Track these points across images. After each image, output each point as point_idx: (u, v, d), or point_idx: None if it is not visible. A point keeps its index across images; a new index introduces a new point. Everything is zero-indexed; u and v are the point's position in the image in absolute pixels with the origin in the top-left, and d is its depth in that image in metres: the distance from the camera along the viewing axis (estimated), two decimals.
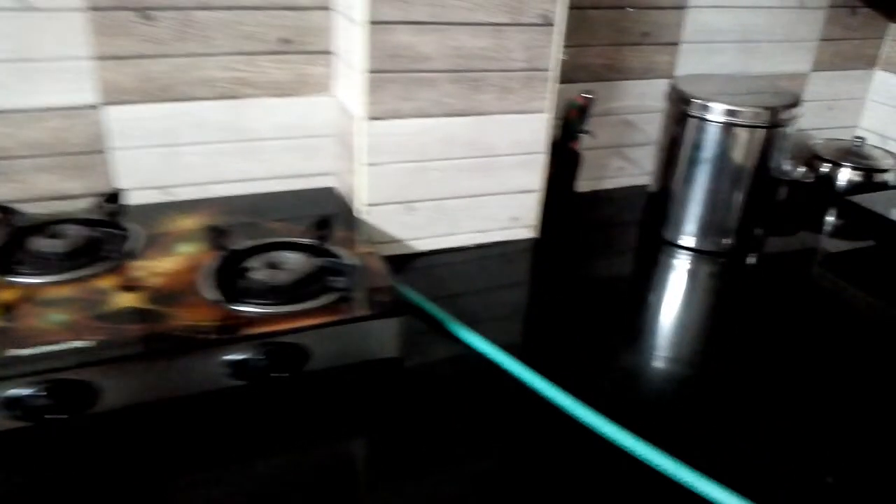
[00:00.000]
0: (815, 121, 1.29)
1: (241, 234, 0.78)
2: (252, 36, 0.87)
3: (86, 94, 0.83)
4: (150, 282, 0.70)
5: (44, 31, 0.79)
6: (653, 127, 1.08)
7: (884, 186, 1.17)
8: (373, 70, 0.82)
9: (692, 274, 0.98)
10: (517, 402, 0.69)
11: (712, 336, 0.86)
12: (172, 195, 0.91)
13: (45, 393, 0.57)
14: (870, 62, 1.29)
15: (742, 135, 0.94)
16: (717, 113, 0.93)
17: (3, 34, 0.78)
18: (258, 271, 0.70)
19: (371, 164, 0.86)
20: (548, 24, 0.86)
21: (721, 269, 0.99)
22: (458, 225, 0.94)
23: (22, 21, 0.78)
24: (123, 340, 0.62)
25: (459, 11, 0.82)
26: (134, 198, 0.88)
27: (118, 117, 0.85)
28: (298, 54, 0.90)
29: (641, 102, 1.13)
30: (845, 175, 1.18)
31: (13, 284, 0.69)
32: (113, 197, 0.83)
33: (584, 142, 1.08)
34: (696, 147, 0.96)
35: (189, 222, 0.83)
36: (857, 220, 1.07)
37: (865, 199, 1.07)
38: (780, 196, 1.12)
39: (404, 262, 0.91)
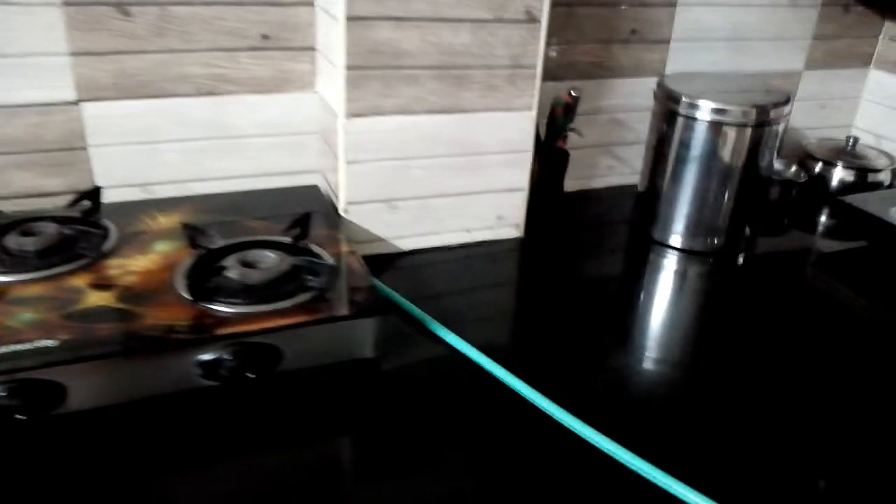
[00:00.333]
0: (808, 120, 1.27)
1: (219, 232, 0.77)
2: (232, 32, 0.86)
3: (62, 90, 0.81)
4: (123, 280, 0.69)
5: (19, 26, 0.78)
6: (643, 126, 1.06)
7: (877, 186, 1.16)
8: (352, 66, 0.81)
9: (681, 274, 0.96)
10: (498, 403, 0.68)
11: (701, 337, 0.84)
12: (153, 193, 0.89)
13: (8, 393, 0.56)
14: (864, 61, 1.28)
15: (730, 133, 0.92)
16: (704, 111, 0.91)
17: None
18: (233, 270, 0.69)
19: (352, 162, 0.85)
20: (532, 20, 0.85)
21: (710, 268, 0.97)
22: (442, 224, 0.93)
23: None
24: (92, 340, 0.61)
25: (441, 7, 0.81)
26: (113, 195, 0.87)
27: (96, 114, 0.84)
28: (280, 50, 0.88)
29: (631, 101, 1.12)
30: (838, 175, 1.17)
31: None
32: (90, 194, 0.82)
33: (573, 140, 1.07)
34: (684, 146, 0.94)
35: (168, 220, 0.81)
36: (850, 221, 1.06)
37: (858, 199, 1.06)
38: (772, 196, 1.11)
39: (388, 262, 0.90)
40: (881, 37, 1.26)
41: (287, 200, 0.88)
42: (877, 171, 1.17)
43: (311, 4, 0.88)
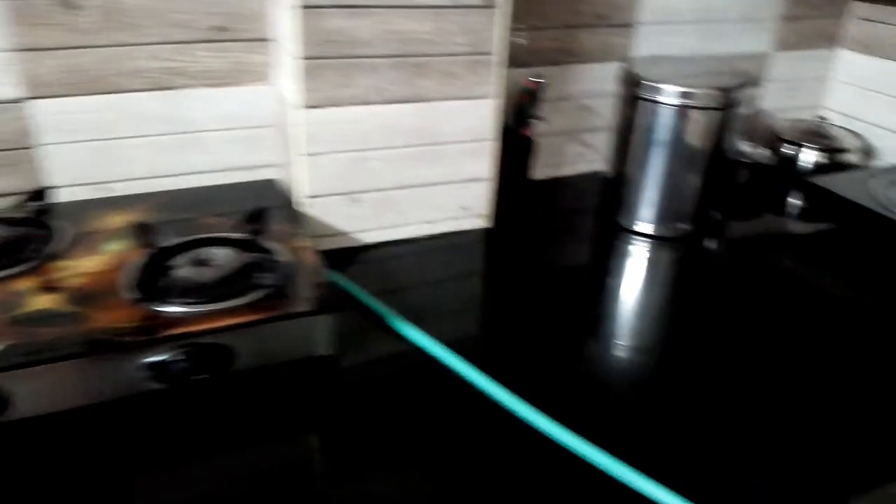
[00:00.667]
0: (778, 101, 1.26)
1: (175, 229, 0.75)
2: (184, 24, 0.84)
3: (7, 87, 0.79)
4: (71, 282, 0.67)
5: None
6: (611, 111, 1.05)
7: (848, 167, 1.15)
8: (307, 56, 0.79)
9: (650, 261, 0.95)
10: (460, 400, 0.66)
11: (672, 324, 0.83)
12: (108, 191, 0.87)
13: None
14: (833, 41, 1.27)
15: (696, 117, 0.91)
16: (669, 95, 0.90)
17: None
18: (183, 269, 0.67)
19: (311, 155, 0.83)
20: (489, 5, 0.83)
21: (680, 254, 0.97)
22: (405, 216, 0.91)
23: None
24: (38, 344, 0.59)
25: None
26: (67, 195, 0.85)
27: (46, 111, 0.82)
28: (234, 42, 0.86)
29: (598, 86, 1.10)
30: (808, 156, 1.16)
31: None
32: (38, 194, 0.80)
33: (540, 128, 1.05)
34: (650, 130, 0.93)
35: (121, 219, 0.79)
36: (820, 203, 1.05)
37: (827, 181, 1.05)
38: (742, 178, 1.10)
39: (351, 256, 0.88)
40: (849, 17, 1.25)
41: (246, 195, 0.86)
42: (847, 151, 1.16)
43: None
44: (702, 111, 0.91)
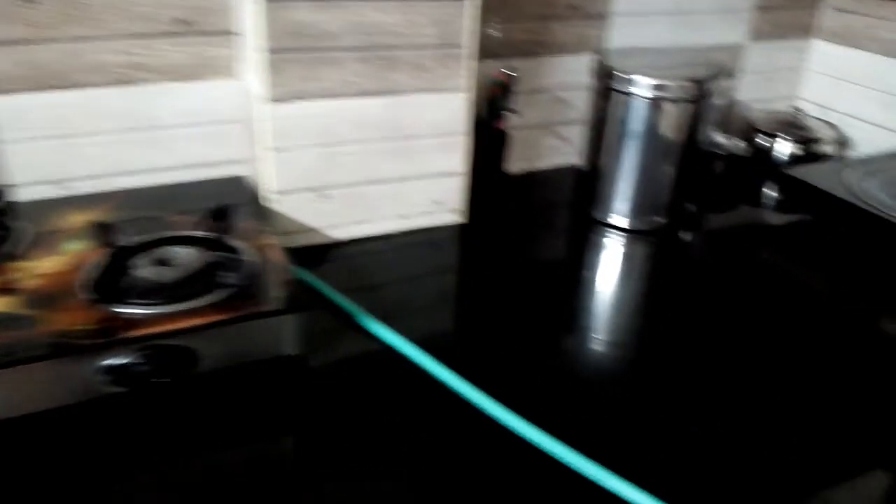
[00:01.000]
0: (753, 92, 1.26)
1: (136, 228, 0.73)
2: (146, 17, 0.81)
3: None
4: (28, 284, 0.65)
5: None
6: (585, 104, 1.04)
7: (821, 157, 1.15)
8: (272, 50, 0.77)
9: (625, 254, 0.95)
10: (431, 399, 0.65)
11: (647, 317, 0.83)
12: (70, 189, 0.85)
13: None
14: (808, 31, 1.26)
15: (670, 109, 0.90)
16: (642, 87, 0.89)
17: None
18: (143, 269, 0.66)
19: (278, 150, 0.82)
20: None
21: (654, 248, 0.96)
22: (377, 211, 0.90)
23: None
24: None
25: None
26: (27, 193, 0.83)
27: (4, 108, 0.79)
28: (198, 35, 0.84)
29: (572, 78, 1.09)
30: (783, 147, 1.16)
31: None
32: None
33: (514, 121, 1.04)
34: (624, 123, 0.92)
35: (82, 218, 0.77)
36: (794, 194, 1.05)
37: (801, 172, 1.05)
38: (716, 170, 1.10)
39: (321, 253, 0.87)
40: (824, 7, 1.25)
41: (211, 193, 0.84)
42: (821, 142, 1.16)
43: None
44: (675, 103, 0.90)
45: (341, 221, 0.88)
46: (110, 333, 0.59)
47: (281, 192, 0.84)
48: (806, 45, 1.27)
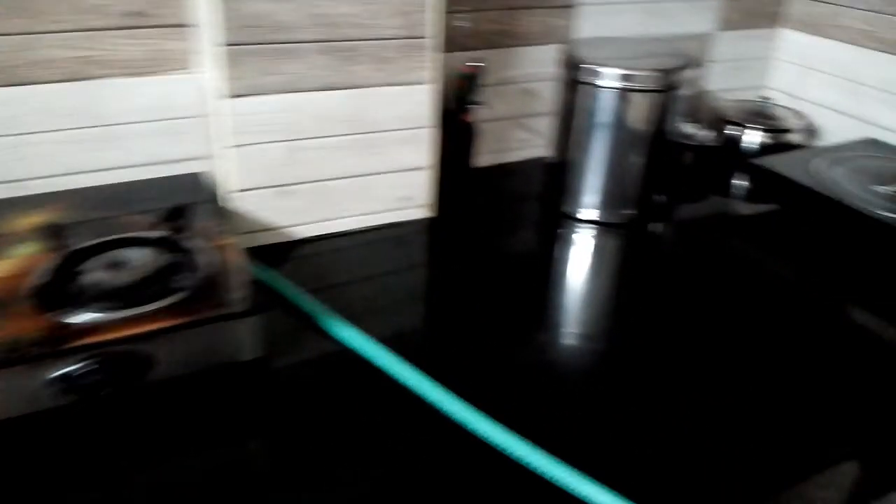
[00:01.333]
0: (722, 81, 1.26)
1: (88, 230, 0.70)
2: (97, 9, 0.78)
3: None
4: None
5: None
6: (554, 95, 1.03)
7: (791, 147, 1.15)
8: (229, 43, 0.75)
9: (596, 248, 0.94)
10: (397, 402, 0.63)
11: (619, 311, 0.82)
12: (22, 189, 0.82)
13: None
14: (775, 20, 1.26)
15: (637, 99, 0.89)
16: (609, 78, 0.88)
17: None
18: (96, 273, 0.63)
19: (237, 146, 0.79)
20: None
21: (625, 240, 0.95)
22: (341, 208, 0.88)
23: None
24: None
25: None
26: None
27: None
28: (153, 28, 0.81)
29: (540, 69, 1.08)
30: (752, 136, 1.16)
31: None
32: None
33: (483, 113, 1.03)
34: (592, 114, 0.91)
35: (33, 220, 0.74)
36: (764, 184, 1.05)
37: (770, 162, 1.05)
38: (686, 160, 1.09)
39: (284, 251, 0.85)
40: None
41: (168, 191, 0.81)
42: (790, 131, 1.16)
43: None
44: (644, 94, 0.89)
45: (305, 219, 0.86)
46: (60, 342, 0.56)
47: (241, 190, 0.81)
48: (774, 33, 1.27)
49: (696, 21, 1.18)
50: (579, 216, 0.97)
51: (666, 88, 0.89)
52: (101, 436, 0.58)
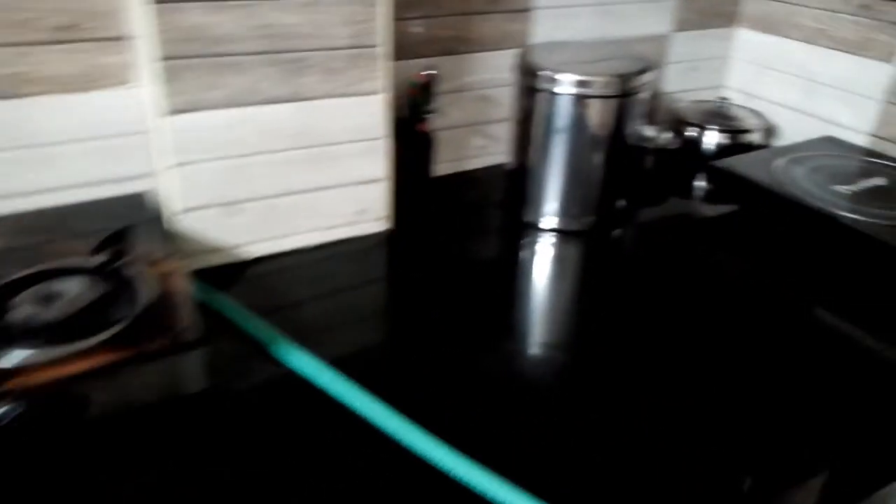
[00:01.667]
0: (680, 83, 1.25)
1: (18, 259, 0.66)
2: (25, 23, 0.74)
3: None
4: None
5: None
6: (512, 101, 1.01)
7: (750, 147, 1.14)
8: (167, 57, 0.71)
9: (558, 256, 0.92)
10: (351, 431, 0.61)
11: (583, 320, 0.80)
12: None
13: None
14: (732, 20, 1.26)
15: (595, 105, 0.88)
16: (566, 84, 0.86)
17: None
18: (24, 307, 0.59)
19: (181, 164, 0.76)
20: None
21: (586, 248, 0.93)
22: (294, 225, 0.84)
23: None
24: None
25: None
26: None
27: None
28: (86, 42, 0.77)
29: (497, 75, 1.06)
30: (712, 138, 1.15)
31: None
32: None
33: (439, 121, 1.00)
34: (549, 121, 0.89)
35: None
36: (724, 185, 1.04)
37: (730, 163, 1.04)
38: (647, 164, 1.08)
39: (234, 272, 0.81)
40: None
41: (108, 213, 0.77)
42: (748, 131, 1.16)
43: None
44: (602, 99, 0.87)
45: (255, 237, 0.83)
46: None
47: (186, 210, 0.78)
48: (730, 33, 1.26)
49: (653, 22, 1.17)
50: (540, 224, 0.95)
51: (624, 94, 0.87)
52: (35, 482, 0.54)
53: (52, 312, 0.58)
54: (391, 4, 0.80)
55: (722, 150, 1.13)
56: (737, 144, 1.14)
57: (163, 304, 0.62)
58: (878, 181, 0.98)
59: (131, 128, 0.80)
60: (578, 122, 0.88)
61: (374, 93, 0.82)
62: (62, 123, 0.78)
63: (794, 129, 1.19)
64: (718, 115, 1.17)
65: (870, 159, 1.05)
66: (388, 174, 0.88)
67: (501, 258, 0.92)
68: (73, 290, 0.61)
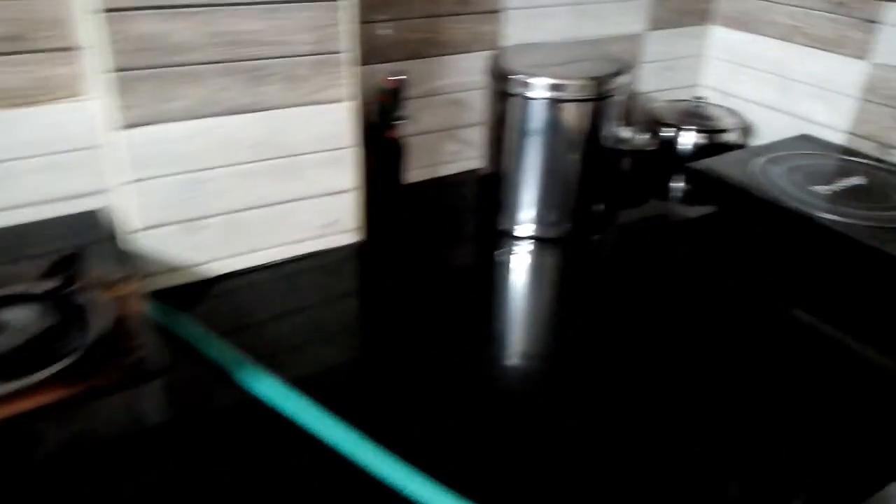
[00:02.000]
0: (655, 82, 1.23)
1: None
2: None
3: None
4: None
5: None
6: (485, 104, 0.98)
7: (727, 147, 1.13)
8: (119, 68, 0.67)
9: (535, 263, 0.90)
10: (320, 461, 0.57)
11: (561, 328, 0.78)
12: None
13: None
14: (705, 17, 1.24)
15: (570, 109, 0.85)
16: (540, 88, 0.84)
17: None
18: None
19: (137, 181, 0.72)
20: None
21: (564, 254, 0.91)
22: (259, 240, 0.81)
23: None
24: None
25: None
26: None
27: None
28: (33, 53, 0.73)
29: (469, 78, 1.03)
30: (688, 138, 1.13)
31: None
32: None
33: (410, 127, 0.97)
34: (523, 126, 0.87)
35: None
36: (702, 186, 1.02)
37: (707, 164, 1.02)
38: (624, 166, 1.06)
39: (197, 292, 0.78)
40: None
41: (61, 234, 0.73)
42: (725, 131, 1.14)
43: None
44: (577, 103, 0.85)
45: (218, 254, 0.79)
46: None
47: (144, 228, 0.74)
48: (704, 31, 1.25)
49: (627, 22, 1.15)
50: (517, 232, 0.92)
51: (600, 97, 0.85)
52: None
53: None
54: (356, 8, 0.77)
55: (699, 151, 1.12)
56: (714, 144, 1.12)
57: (118, 333, 0.58)
58: (856, 180, 0.97)
59: (83, 142, 0.76)
60: (553, 127, 0.86)
61: (340, 100, 0.79)
62: (8, 139, 0.74)
63: (770, 128, 1.18)
64: (695, 115, 1.16)
65: (847, 158, 1.04)
66: (358, 184, 0.85)
67: (477, 268, 0.90)
68: (21, 320, 0.57)
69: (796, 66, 1.14)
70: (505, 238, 0.92)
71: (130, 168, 0.71)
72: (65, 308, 0.59)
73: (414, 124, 0.98)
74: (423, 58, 0.99)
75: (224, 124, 0.74)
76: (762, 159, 1.02)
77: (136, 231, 0.73)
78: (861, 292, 0.82)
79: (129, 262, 0.72)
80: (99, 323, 0.59)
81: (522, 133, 0.87)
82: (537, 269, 0.89)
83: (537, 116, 0.85)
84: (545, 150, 0.87)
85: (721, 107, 1.21)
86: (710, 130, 1.13)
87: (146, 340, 0.58)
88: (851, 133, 1.08)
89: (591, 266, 0.91)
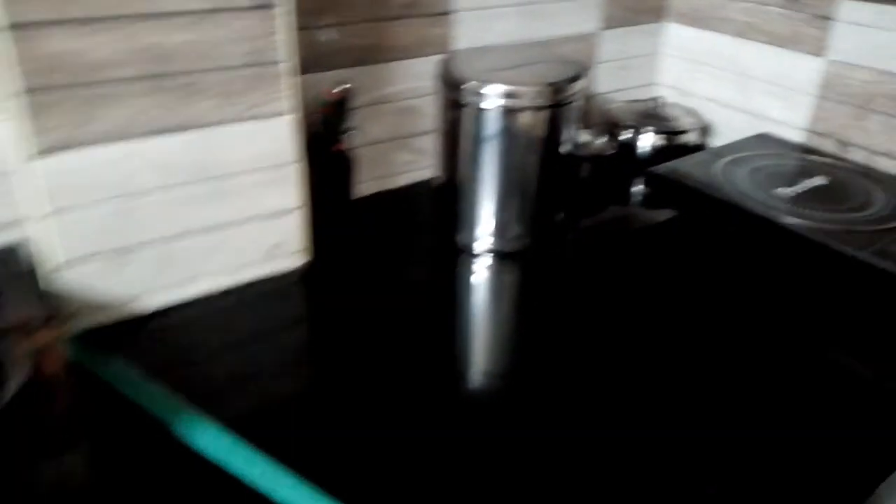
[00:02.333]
0: (611, 82, 1.20)
1: None
2: None
3: None
4: None
5: None
6: (437, 112, 0.93)
7: (686, 148, 1.10)
8: (29, 90, 0.61)
9: (494, 280, 0.85)
10: None
11: (525, 344, 0.75)
12: None
13: None
14: (660, 15, 1.21)
15: (525, 117, 0.81)
16: (493, 97, 0.79)
17: None
18: None
19: (56, 212, 0.65)
20: (265, 6, 0.68)
21: (523, 269, 0.87)
22: (197, 269, 0.75)
23: None
24: None
25: (137, 1, 0.62)
26: None
27: None
28: None
29: (420, 83, 0.98)
30: (647, 140, 1.10)
31: None
32: None
33: (358, 138, 0.92)
34: (476, 135, 0.82)
35: None
36: (662, 190, 0.99)
37: (665, 168, 0.99)
38: (582, 172, 1.02)
39: (126, 331, 0.71)
40: None
41: None
42: (684, 132, 1.11)
43: None
44: (532, 111, 0.81)
45: (151, 287, 0.73)
46: None
47: (67, 263, 0.67)
48: (659, 28, 1.22)
49: (579, 21, 1.11)
50: (474, 247, 0.88)
51: (556, 104, 0.81)
52: None
53: None
54: (294, 13, 0.71)
55: (658, 152, 1.09)
56: (673, 146, 1.10)
57: (36, 390, 0.52)
58: (819, 181, 0.95)
59: None
60: (509, 135, 0.82)
61: (279, 114, 0.74)
62: None
63: (728, 126, 1.16)
64: (653, 116, 1.13)
65: (807, 157, 1.03)
66: (303, 202, 0.80)
67: (434, 286, 0.85)
68: None
69: (753, 64, 1.12)
70: (463, 253, 0.88)
71: (49, 198, 0.65)
72: None
73: (362, 135, 0.93)
74: (370, 64, 0.93)
75: (152, 146, 0.68)
76: (723, 161, 1.00)
77: (59, 266, 0.67)
78: (827, 296, 0.80)
79: (50, 301, 0.65)
80: (13, 379, 0.52)
81: (477, 142, 0.82)
82: (497, 286, 0.85)
83: (492, 125, 0.81)
84: (501, 159, 0.83)
85: (679, 106, 1.18)
86: (669, 132, 1.10)
87: (67, 398, 0.52)
88: (810, 130, 1.07)
89: (552, 279, 0.87)
